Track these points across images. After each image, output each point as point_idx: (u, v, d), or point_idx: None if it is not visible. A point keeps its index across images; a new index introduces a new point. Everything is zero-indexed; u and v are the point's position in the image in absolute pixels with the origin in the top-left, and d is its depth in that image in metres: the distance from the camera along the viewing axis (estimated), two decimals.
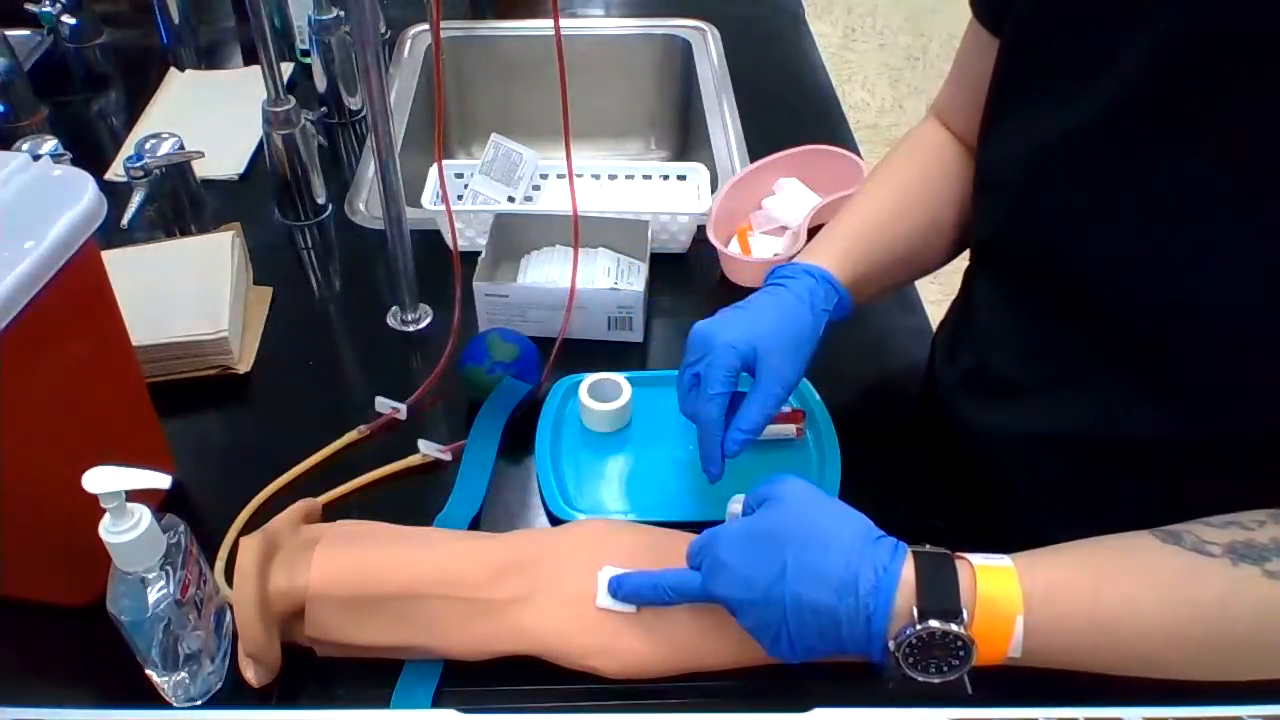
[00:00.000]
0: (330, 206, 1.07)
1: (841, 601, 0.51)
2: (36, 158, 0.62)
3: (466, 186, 1.07)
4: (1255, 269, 0.50)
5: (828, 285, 0.68)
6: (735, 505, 0.65)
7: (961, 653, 0.51)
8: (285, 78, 1.19)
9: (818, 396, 0.81)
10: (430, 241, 0.99)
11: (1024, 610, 0.50)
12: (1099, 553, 0.53)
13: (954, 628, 0.50)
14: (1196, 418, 0.57)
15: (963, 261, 0.77)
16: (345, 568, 0.62)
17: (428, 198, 0.99)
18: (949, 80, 0.78)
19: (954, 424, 0.75)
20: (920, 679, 0.52)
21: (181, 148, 0.99)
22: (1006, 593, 0.50)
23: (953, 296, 0.81)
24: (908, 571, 0.52)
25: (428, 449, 0.77)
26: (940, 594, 0.51)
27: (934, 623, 0.50)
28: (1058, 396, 0.65)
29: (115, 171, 1.10)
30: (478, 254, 0.89)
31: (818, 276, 0.68)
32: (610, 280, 0.90)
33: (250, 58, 1.35)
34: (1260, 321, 0.51)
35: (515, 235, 0.94)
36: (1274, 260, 0.49)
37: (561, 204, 1.00)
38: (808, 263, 0.70)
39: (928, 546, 0.53)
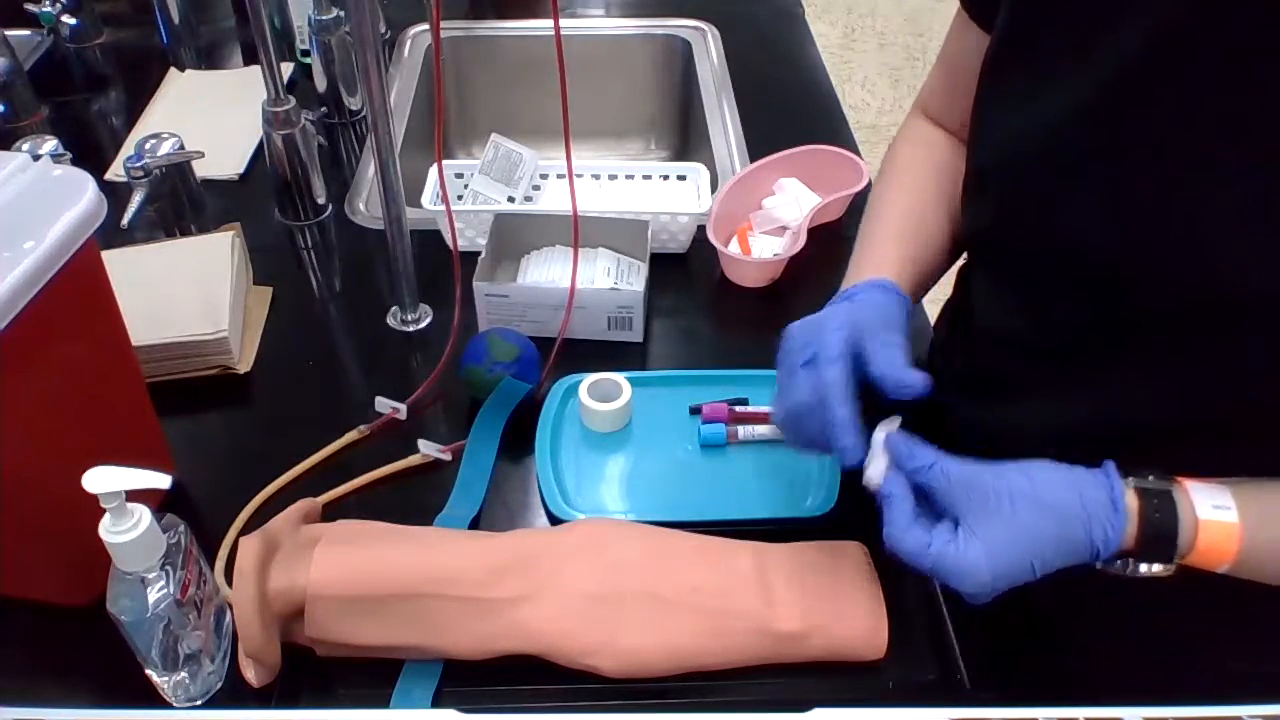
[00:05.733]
0: (330, 206, 1.07)
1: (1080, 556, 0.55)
2: (36, 158, 0.61)
3: (466, 186, 1.07)
4: (1251, 230, 0.51)
5: (896, 294, 0.66)
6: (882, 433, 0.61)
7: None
8: (285, 78, 1.19)
9: None
10: (430, 241, 0.99)
11: (1233, 564, 0.53)
12: None
13: (1158, 569, 0.55)
14: (1197, 398, 0.57)
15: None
16: (345, 567, 0.62)
17: (428, 198, 0.99)
18: (936, 75, 0.78)
19: (954, 424, 0.75)
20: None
21: (181, 148, 0.99)
22: (1220, 550, 0.53)
23: (948, 297, 0.81)
24: (1131, 526, 0.54)
25: (428, 449, 0.77)
26: (1156, 552, 0.54)
27: (1141, 566, 0.55)
28: (1057, 391, 0.65)
29: (115, 171, 1.10)
30: (478, 254, 0.89)
31: (884, 288, 0.66)
32: (610, 280, 0.90)
33: (250, 58, 1.35)
34: (1261, 283, 0.51)
35: (515, 235, 0.94)
36: (1267, 219, 0.51)
37: (561, 204, 1.00)
38: (869, 278, 0.67)
39: (1151, 479, 0.55)
